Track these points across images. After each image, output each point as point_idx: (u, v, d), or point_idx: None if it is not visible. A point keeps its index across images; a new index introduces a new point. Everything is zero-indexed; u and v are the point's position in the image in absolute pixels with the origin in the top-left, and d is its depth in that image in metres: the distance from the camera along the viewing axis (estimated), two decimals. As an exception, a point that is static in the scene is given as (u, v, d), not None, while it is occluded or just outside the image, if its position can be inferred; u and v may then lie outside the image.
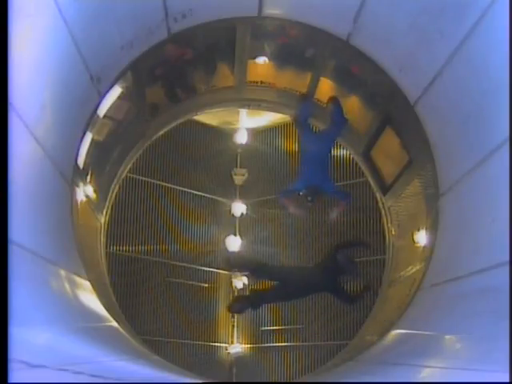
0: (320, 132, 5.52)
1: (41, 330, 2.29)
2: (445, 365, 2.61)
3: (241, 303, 4.79)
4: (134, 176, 6.17)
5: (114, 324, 4.10)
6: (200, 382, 4.28)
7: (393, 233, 5.59)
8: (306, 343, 6.26)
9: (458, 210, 3.64)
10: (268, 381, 6.40)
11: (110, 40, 3.69)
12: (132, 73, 4.44)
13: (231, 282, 6.63)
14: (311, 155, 5.02)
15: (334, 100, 5.03)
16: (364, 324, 5.75)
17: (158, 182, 6.45)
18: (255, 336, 6.54)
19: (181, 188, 6.61)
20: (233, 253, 5.33)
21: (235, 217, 6.81)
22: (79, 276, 3.66)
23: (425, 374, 2.61)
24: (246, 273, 5.46)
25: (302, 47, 5.02)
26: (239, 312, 4.96)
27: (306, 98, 5.32)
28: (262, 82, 5.65)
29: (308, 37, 4.70)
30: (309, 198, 5.05)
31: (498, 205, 2.76)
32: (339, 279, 4.78)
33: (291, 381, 6.29)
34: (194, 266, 6.48)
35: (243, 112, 6.62)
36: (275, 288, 4.80)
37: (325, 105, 5.26)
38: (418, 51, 3.67)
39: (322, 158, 5.04)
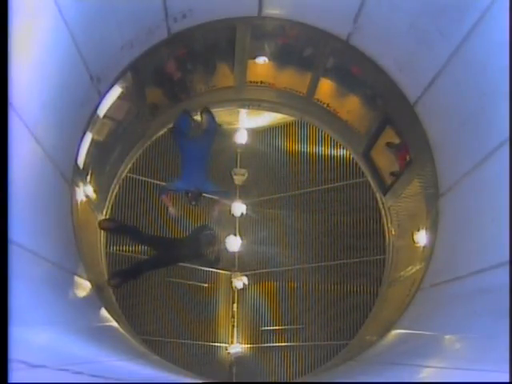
0: (195, 139, 5.68)
1: (41, 329, 2.29)
2: (445, 365, 2.61)
3: (119, 277, 5.06)
4: (134, 176, 6.16)
5: (114, 324, 4.10)
6: (200, 382, 4.28)
7: (393, 233, 5.59)
8: (306, 343, 6.25)
9: (458, 210, 3.64)
10: (268, 381, 6.39)
11: (110, 40, 3.70)
12: (132, 73, 4.44)
13: (231, 282, 6.63)
14: (190, 159, 5.42)
15: (205, 110, 5.53)
16: (364, 324, 5.75)
17: (158, 182, 6.44)
18: (255, 336, 6.54)
19: (181, 188, 6.60)
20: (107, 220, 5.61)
21: (235, 217, 6.80)
22: (79, 276, 3.66)
23: (425, 374, 2.62)
24: (121, 235, 5.80)
25: (301, 47, 5.02)
26: (120, 285, 5.15)
27: (185, 112, 5.60)
28: (262, 82, 5.65)
29: (308, 37, 4.70)
30: (193, 203, 5.53)
31: (497, 205, 2.76)
32: (202, 250, 5.60)
33: (291, 381, 6.29)
34: (194, 266, 6.48)
35: (243, 112, 6.62)
36: (149, 258, 5.52)
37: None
38: (418, 51, 3.67)
39: (199, 161, 5.44)
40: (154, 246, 5.55)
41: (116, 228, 5.44)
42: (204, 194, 5.64)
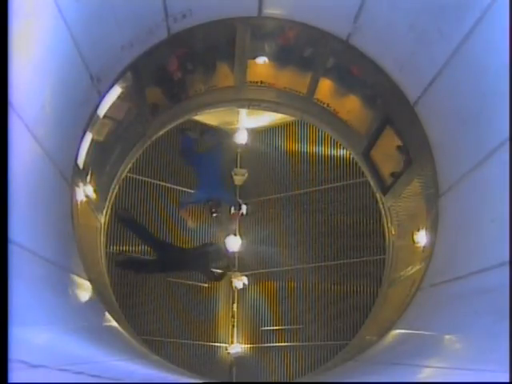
0: (205, 154, 6.18)
1: (41, 329, 2.29)
2: (445, 365, 2.61)
3: (124, 263, 5.52)
4: (134, 176, 6.17)
5: (114, 324, 4.10)
6: (200, 382, 4.28)
7: (393, 233, 5.59)
8: (306, 343, 6.26)
9: (458, 210, 3.64)
10: (268, 381, 6.40)
11: (110, 40, 3.69)
12: (132, 73, 4.43)
13: (231, 282, 6.63)
14: (204, 172, 5.84)
15: (203, 132, 6.04)
16: (364, 324, 5.75)
17: (158, 182, 6.45)
18: (255, 336, 6.54)
19: (181, 188, 6.61)
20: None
21: (235, 217, 6.80)
22: (79, 276, 3.66)
23: (425, 374, 2.62)
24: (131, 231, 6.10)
25: (301, 47, 5.02)
26: (121, 268, 5.60)
27: (184, 132, 6.02)
28: (261, 82, 5.65)
29: (308, 37, 4.70)
30: (213, 211, 5.99)
31: (497, 205, 2.76)
32: (209, 265, 5.99)
33: (291, 381, 6.29)
34: (194, 266, 6.48)
35: (243, 112, 6.62)
36: (155, 260, 5.82)
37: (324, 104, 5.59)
38: (418, 51, 3.67)
39: (213, 172, 5.84)
40: (159, 251, 5.78)
41: (129, 220, 5.75)
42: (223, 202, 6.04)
